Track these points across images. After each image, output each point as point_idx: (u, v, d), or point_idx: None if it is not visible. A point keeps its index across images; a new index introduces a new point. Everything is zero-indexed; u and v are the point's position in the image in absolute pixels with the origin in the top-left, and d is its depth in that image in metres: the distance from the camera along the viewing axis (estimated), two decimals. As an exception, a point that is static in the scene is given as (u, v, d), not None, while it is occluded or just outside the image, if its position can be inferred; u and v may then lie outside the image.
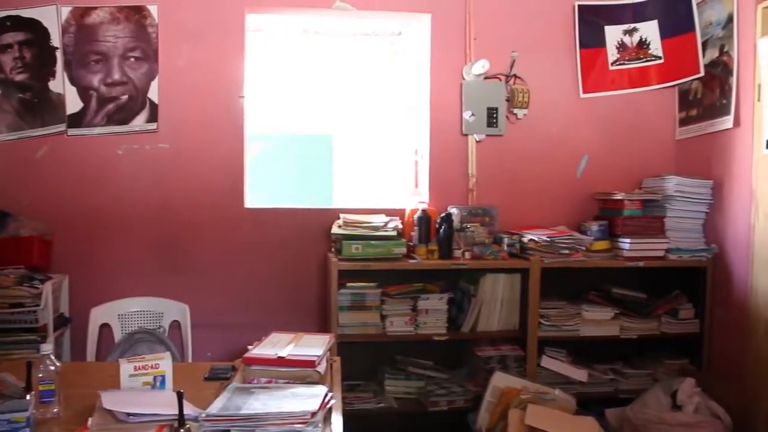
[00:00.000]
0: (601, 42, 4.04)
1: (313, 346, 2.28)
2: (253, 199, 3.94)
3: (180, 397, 1.78)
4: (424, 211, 3.63)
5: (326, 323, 3.63)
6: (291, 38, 4.24)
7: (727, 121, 3.59)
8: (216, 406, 1.87)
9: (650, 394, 3.47)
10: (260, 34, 4.14)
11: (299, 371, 2.14)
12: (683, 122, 4.04)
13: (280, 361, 2.15)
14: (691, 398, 3.36)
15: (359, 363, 3.60)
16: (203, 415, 1.81)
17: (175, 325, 3.64)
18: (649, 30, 4.00)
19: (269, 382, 2.11)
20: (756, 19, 3.37)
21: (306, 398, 1.93)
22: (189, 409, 1.85)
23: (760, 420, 3.31)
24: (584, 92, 4.04)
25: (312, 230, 3.85)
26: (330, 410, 1.96)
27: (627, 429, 3.41)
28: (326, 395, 1.96)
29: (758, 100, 3.35)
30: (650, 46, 4.00)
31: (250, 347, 2.29)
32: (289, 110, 4.38)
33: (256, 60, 4.07)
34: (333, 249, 3.64)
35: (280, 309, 3.84)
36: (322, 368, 2.18)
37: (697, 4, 3.82)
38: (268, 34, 4.19)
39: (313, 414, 1.81)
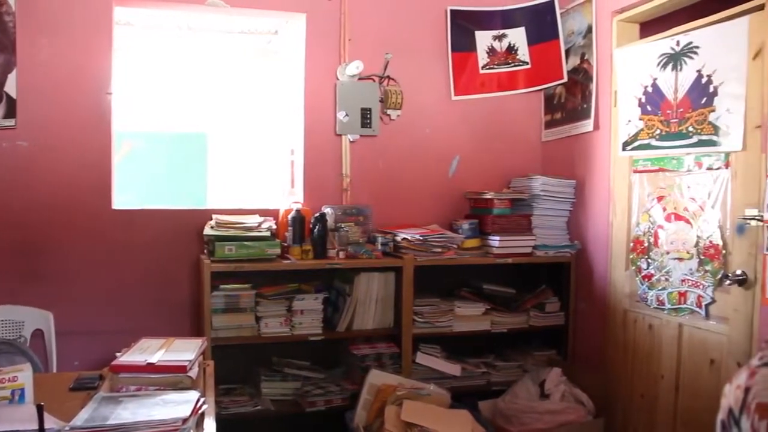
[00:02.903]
0: (472, 46, 4.17)
1: (185, 351, 2.23)
2: (122, 200, 3.80)
3: (40, 410, 1.69)
4: (298, 211, 3.62)
5: (200, 327, 3.55)
6: (164, 34, 4.11)
7: (588, 125, 3.80)
8: (81, 418, 1.80)
9: (520, 385, 3.64)
10: (130, 28, 3.99)
11: (170, 377, 2.09)
12: (548, 125, 4.24)
13: (150, 368, 2.09)
14: (557, 387, 3.56)
15: (234, 366, 3.55)
16: (67, 427, 1.74)
17: (38, 335, 3.43)
18: (517, 36, 4.17)
19: (139, 389, 2.05)
20: (612, 30, 3.60)
21: (177, 405, 1.89)
22: (51, 423, 1.76)
23: (618, 404, 3.55)
24: (456, 95, 4.16)
25: (184, 231, 3.75)
26: (203, 416, 1.92)
27: (499, 419, 3.54)
28: (198, 400, 1.93)
29: (615, 106, 3.57)
30: (518, 52, 4.17)
31: (118, 354, 2.21)
32: (161, 108, 4.25)
33: (126, 55, 3.92)
34: (206, 250, 3.57)
35: (151, 314, 3.71)
36: (194, 373, 2.14)
37: (561, 14, 4.02)
38: (138, 29, 4.04)
39: (185, 420, 1.78)
